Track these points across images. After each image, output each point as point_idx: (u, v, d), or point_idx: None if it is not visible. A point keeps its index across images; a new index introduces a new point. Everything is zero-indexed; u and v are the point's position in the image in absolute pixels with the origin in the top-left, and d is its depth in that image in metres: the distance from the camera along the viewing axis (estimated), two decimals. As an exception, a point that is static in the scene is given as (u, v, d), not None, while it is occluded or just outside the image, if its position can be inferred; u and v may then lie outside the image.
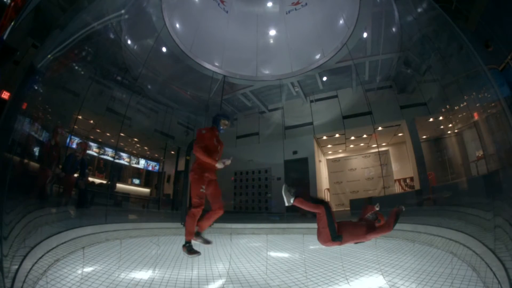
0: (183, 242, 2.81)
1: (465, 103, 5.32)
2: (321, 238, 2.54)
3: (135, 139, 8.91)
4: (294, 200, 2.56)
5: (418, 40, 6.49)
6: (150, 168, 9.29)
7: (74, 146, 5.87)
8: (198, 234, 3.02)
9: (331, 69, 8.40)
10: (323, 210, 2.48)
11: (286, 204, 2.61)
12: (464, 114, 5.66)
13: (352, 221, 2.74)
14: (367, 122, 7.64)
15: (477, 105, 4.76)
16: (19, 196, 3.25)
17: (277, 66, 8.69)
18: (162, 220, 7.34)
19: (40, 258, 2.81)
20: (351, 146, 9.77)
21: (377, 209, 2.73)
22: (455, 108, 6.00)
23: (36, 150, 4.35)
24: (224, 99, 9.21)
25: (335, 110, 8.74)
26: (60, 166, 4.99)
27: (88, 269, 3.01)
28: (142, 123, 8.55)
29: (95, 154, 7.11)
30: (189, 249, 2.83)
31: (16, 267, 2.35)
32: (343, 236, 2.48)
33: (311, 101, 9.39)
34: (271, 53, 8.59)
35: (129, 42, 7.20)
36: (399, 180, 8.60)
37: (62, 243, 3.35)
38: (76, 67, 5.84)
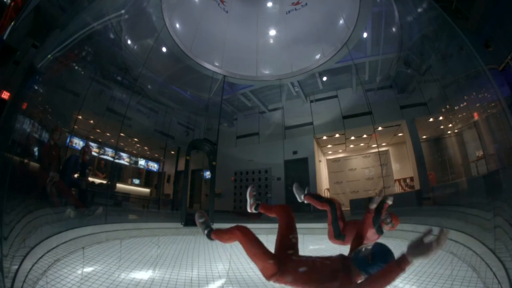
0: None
1: (465, 103, 5.32)
2: (328, 234, 2.66)
3: (135, 139, 8.91)
4: (304, 197, 2.77)
5: (418, 40, 6.49)
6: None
7: (74, 146, 5.87)
8: None
9: (331, 69, 8.41)
10: (329, 209, 2.61)
11: (299, 200, 2.82)
12: (464, 114, 5.66)
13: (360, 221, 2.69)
14: (367, 122, 7.63)
15: (477, 105, 4.76)
16: (19, 196, 3.25)
17: (277, 66, 8.69)
18: (162, 220, 7.33)
19: (40, 258, 2.81)
20: (351, 146, 9.77)
21: (390, 203, 2.68)
22: (455, 108, 6.00)
23: (36, 150, 4.35)
24: (224, 99, 9.21)
25: (335, 110, 8.74)
26: (61, 167, 4.99)
27: (88, 269, 3.02)
28: (142, 123, 8.56)
29: (95, 154, 7.11)
30: None
31: (16, 267, 2.35)
32: (346, 236, 2.50)
33: (311, 101, 9.39)
34: (271, 53, 8.60)
35: (129, 42, 7.20)
36: (399, 180, 8.60)
37: (62, 243, 3.35)
38: (76, 67, 5.84)
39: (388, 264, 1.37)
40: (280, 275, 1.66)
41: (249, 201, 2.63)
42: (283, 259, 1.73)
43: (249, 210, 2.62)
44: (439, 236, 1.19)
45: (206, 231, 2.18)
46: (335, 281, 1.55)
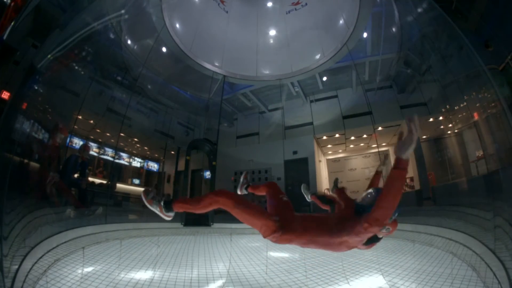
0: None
1: (465, 103, 5.32)
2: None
3: (135, 139, 8.91)
4: (310, 197, 2.96)
5: (418, 40, 6.49)
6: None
7: (74, 146, 5.87)
8: None
9: (331, 69, 8.41)
10: (329, 210, 2.67)
11: (307, 199, 3.02)
12: (464, 114, 5.65)
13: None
14: (367, 122, 7.64)
15: (477, 105, 4.76)
16: (19, 196, 3.25)
17: (277, 66, 8.69)
18: (162, 220, 7.33)
19: (40, 258, 2.81)
20: (351, 146, 9.77)
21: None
22: (455, 108, 5.99)
23: (36, 150, 4.35)
24: (224, 99, 9.22)
25: (335, 110, 8.74)
26: (61, 167, 4.99)
27: (88, 269, 3.02)
28: (142, 123, 8.55)
29: (95, 154, 7.11)
30: None
31: (16, 267, 2.35)
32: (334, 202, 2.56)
33: (311, 101, 9.39)
34: (271, 53, 8.60)
35: (129, 42, 7.20)
36: (399, 180, 8.59)
37: (62, 243, 3.35)
38: (76, 67, 5.84)
39: (389, 175, 1.30)
40: (284, 233, 1.58)
41: (242, 181, 2.67)
42: (287, 217, 1.65)
43: (239, 192, 2.64)
44: (409, 125, 1.23)
45: (161, 203, 1.91)
46: (344, 231, 1.51)
